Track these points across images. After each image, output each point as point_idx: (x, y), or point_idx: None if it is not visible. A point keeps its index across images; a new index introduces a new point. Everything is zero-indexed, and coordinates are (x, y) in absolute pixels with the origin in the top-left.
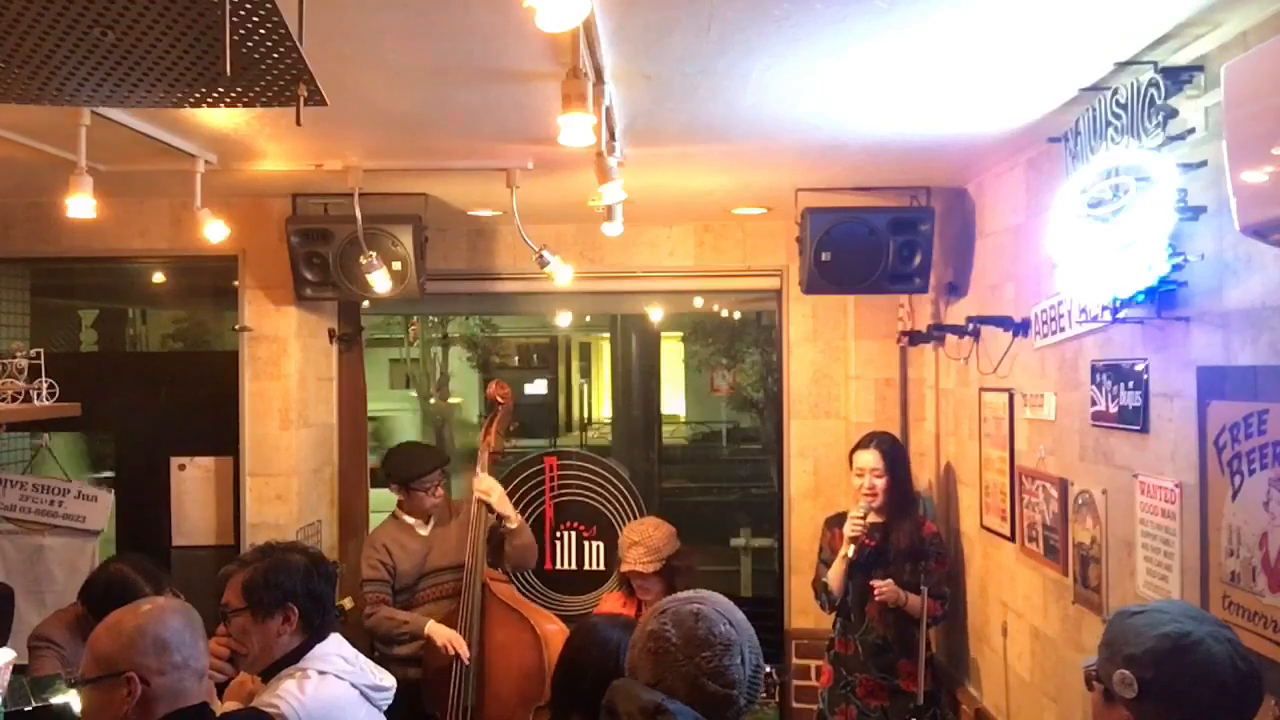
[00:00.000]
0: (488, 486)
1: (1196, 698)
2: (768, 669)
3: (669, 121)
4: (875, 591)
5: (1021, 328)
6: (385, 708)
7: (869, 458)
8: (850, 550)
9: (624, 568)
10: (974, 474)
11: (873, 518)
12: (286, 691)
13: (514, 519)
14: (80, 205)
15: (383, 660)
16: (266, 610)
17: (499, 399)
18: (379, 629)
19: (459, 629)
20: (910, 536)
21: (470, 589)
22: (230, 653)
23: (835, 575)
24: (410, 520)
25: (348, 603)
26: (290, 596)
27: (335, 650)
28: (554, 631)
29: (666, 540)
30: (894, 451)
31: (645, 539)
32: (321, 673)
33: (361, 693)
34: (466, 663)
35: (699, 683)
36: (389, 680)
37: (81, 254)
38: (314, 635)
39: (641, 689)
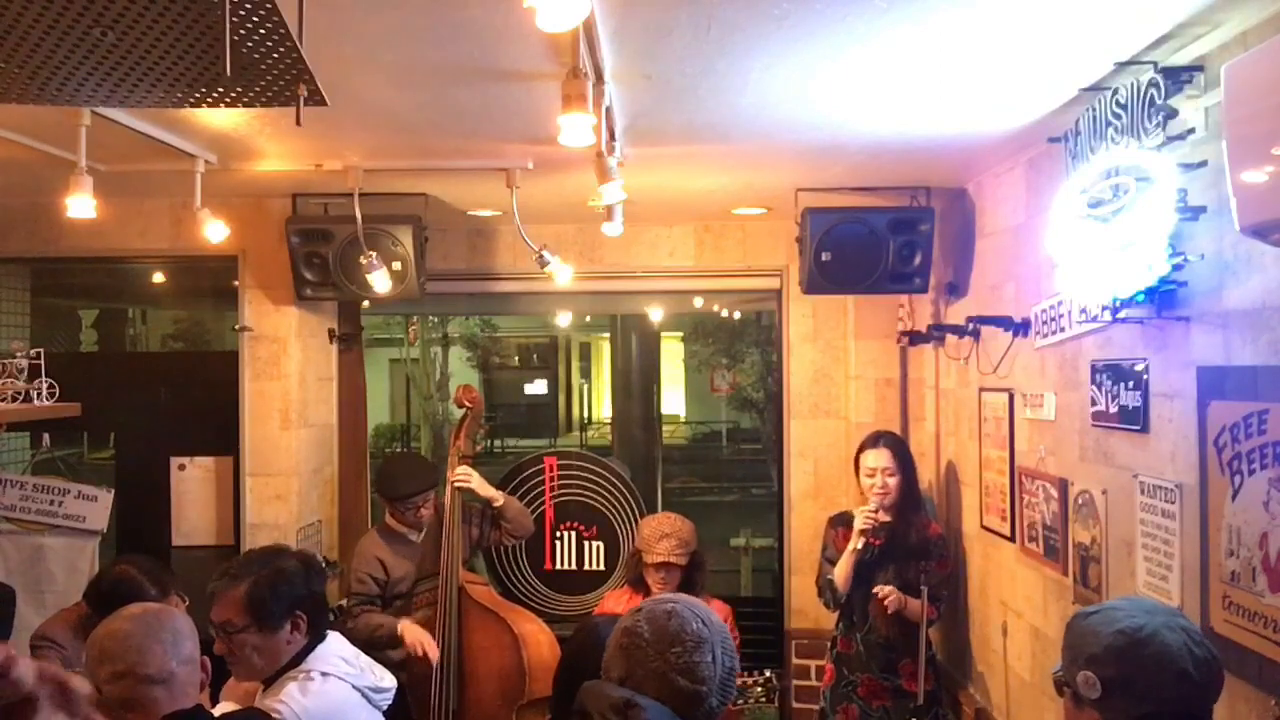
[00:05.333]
0: (464, 472)
1: (1159, 689)
2: (766, 673)
3: (669, 121)
4: (881, 599)
5: (1021, 328)
6: (386, 708)
7: (880, 456)
8: (860, 544)
9: (655, 559)
10: (974, 474)
11: (883, 516)
12: (289, 695)
13: (498, 497)
14: (80, 205)
15: (379, 662)
16: (275, 622)
17: (466, 403)
18: (359, 635)
19: (436, 633)
20: (918, 535)
21: (447, 593)
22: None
23: (841, 572)
24: (401, 529)
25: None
26: (297, 604)
27: (336, 651)
28: (532, 630)
29: (692, 534)
30: (903, 449)
31: (676, 531)
32: (324, 674)
33: (362, 694)
34: (434, 662)
35: (668, 678)
36: (389, 681)
37: (81, 254)
38: (316, 637)
39: (611, 687)
